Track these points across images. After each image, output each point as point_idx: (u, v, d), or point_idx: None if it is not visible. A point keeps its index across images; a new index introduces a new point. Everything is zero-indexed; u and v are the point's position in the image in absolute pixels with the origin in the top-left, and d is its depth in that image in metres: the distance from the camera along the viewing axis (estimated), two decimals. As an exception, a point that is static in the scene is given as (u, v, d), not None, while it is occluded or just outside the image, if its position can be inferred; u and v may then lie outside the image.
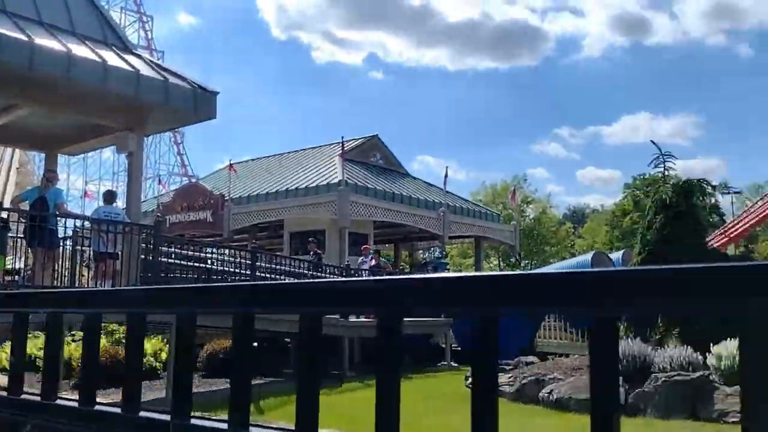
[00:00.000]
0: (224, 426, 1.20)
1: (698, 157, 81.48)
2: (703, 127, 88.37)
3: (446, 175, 27.31)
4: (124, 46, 12.18)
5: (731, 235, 28.10)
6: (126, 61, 11.34)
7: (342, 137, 25.30)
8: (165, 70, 12.01)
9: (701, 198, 13.03)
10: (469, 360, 0.98)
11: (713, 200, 37.35)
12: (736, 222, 29.58)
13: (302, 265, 16.13)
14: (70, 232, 11.09)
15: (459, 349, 18.43)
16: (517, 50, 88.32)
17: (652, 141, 13.52)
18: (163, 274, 12.08)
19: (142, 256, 11.34)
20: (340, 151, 24.70)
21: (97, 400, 1.48)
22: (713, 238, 29.08)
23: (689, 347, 10.05)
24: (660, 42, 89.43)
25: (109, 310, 2.01)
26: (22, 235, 10.74)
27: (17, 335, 1.70)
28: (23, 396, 1.64)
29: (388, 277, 1.08)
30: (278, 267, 15.12)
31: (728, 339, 9.63)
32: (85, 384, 1.53)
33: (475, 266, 31.13)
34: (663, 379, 9.24)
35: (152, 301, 1.48)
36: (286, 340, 14.56)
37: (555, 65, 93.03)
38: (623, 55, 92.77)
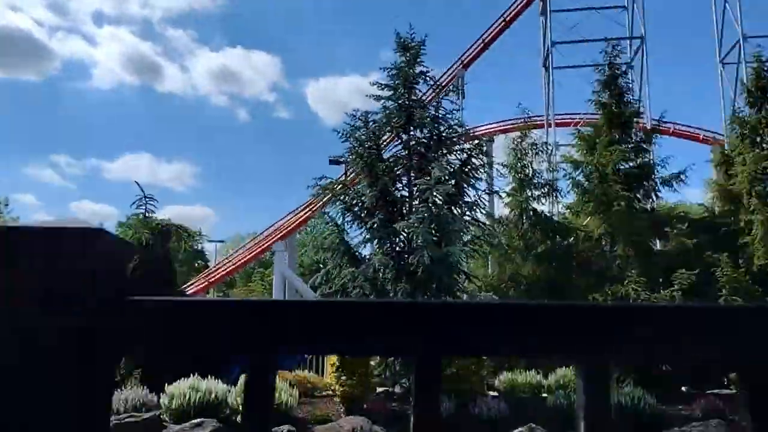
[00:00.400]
0: None
1: (197, 205, 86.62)
2: (201, 177, 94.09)
3: None
4: None
5: (211, 280, 30.82)
6: None
7: None
8: None
9: (177, 243, 13.77)
10: None
11: (200, 246, 40.12)
12: (217, 267, 32.61)
13: None
14: None
15: None
16: (18, 61, 79.17)
17: (136, 182, 13.77)
18: None
19: None
20: None
21: None
22: (197, 281, 31.25)
23: (147, 388, 10.29)
24: (170, 90, 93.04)
25: None
26: None
27: None
28: None
29: None
30: None
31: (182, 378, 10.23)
32: None
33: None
34: (115, 421, 9.18)
35: None
36: None
37: (60, 88, 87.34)
38: (133, 95, 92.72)
